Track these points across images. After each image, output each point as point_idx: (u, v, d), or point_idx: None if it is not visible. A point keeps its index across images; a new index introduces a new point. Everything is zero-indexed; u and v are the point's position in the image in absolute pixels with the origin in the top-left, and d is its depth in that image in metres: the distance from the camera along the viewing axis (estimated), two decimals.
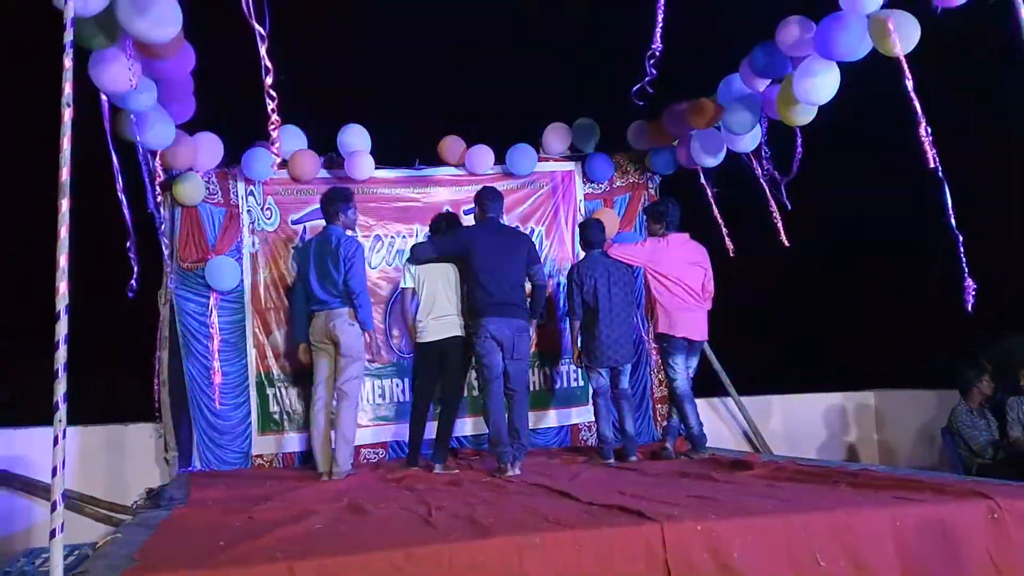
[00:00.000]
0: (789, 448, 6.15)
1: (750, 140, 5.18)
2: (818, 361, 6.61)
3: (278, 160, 4.56)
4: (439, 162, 5.79)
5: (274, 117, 3.87)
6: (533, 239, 5.78)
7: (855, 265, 6.62)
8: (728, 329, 5.58)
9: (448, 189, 5.82)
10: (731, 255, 5.48)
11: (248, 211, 5.49)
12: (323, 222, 5.51)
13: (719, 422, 6.26)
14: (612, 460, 5.16)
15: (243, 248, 5.46)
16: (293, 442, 5.45)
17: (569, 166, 6.03)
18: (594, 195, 6.06)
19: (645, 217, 5.38)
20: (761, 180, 5.18)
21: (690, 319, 5.11)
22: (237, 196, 5.47)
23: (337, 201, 4.83)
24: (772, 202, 5.19)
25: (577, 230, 5.44)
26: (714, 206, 5.54)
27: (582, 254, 6.09)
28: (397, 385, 5.62)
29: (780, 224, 5.19)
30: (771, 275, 6.48)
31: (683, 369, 5.11)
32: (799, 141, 4.92)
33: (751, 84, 4.81)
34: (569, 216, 5.96)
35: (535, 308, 4.93)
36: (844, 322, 6.71)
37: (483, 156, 5.78)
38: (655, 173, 6.09)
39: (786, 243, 5.20)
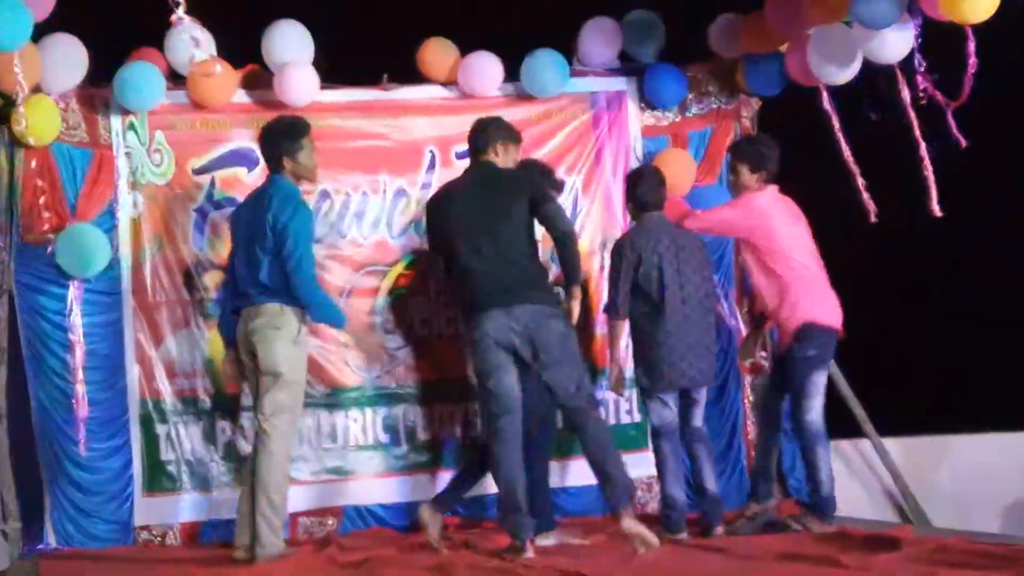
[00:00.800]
0: (959, 515, 6.14)
1: (896, 43, 5.16)
2: (1005, 384, 6.61)
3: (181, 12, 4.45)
4: (419, 79, 5.81)
5: None
6: (565, 195, 5.85)
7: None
8: (862, 339, 5.58)
9: (433, 120, 5.83)
10: (873, 220, 5.51)
11: (127, 154, 5.51)
12: (243, 171, 5.57)
13: (848, 476, 6.26)
14: (684, 534, 5.18)
15: (119, 211, 5.49)
16: (197, 507, 5.48)
17: (619, 84, 6.04)
18: (657, 128, 6.08)
19: (733, 159, 5.41)
20: (908, 107, 5.20)
21: (833, 303, 5.23)
22: (110, 132, 5.50)
23: (280, 138, 4.87)
24: (923, 147, 5.21)
25: (626, 184, 5.45)
26: (844, 145, 5.55)
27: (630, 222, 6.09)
28: (355, 421, 5.67)
29: (932, 181, 5.20)
30: (927, 257, 6.50)
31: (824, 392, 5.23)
32: (972, 49, 4.91)
33: None
34: (620, 160, 5.99)
35: (570, 273, 4.95)
36: None
37: (486, 69, 5.79)
38: (752, 94, 6.06)
39: (936, 211, 5.25)
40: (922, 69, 5.19)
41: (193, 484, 5.49)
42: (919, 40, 5.15)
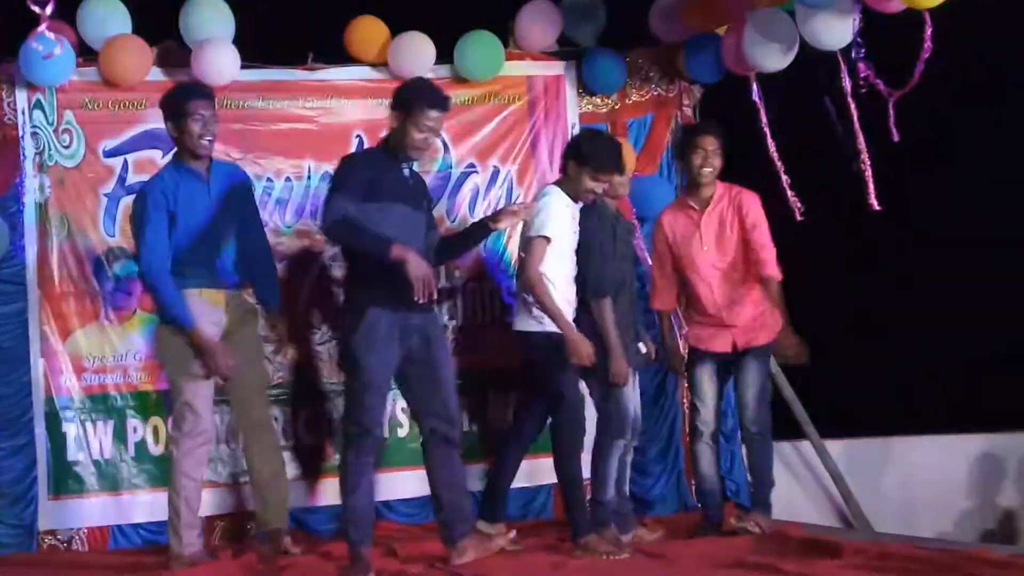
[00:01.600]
0: (903, 520, 6.18)
1: (838, 29, 5.09)
2: (950, 387, 6.65)
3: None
4: (347, 59, 5.71)
5: None
6: (499, 184, 5.81)
7: (1009, 245, 6.63)
8: (803, 340, 5.44)
9: (361, 103, 5.74)
10: (799, 218, 5.45)
11: (33, 134, 5.40)
12: (158, 153, 5.42)
13: (790, 478, 6.25)
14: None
15: (24, 194, 5.38)
16: (106, 510, 5.34)
17: (557, 68, 5.98)
18: (596, 115, 6.02)
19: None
20: (848, 97, 5.14)
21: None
22: (15, 110, 5.39)
23: (162, 105, 4.81)
24: (861, 138, 5.16)
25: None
26: (769, 138, 5.49)
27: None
28: (276, 420, 5.46)
29: (869, 173, 5.16)
30: (868, 254, 6.54)
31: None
32: (928, 35, 4.86)
33: None
34: (557, 148, 5.87)
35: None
36: (990, 327, 6.73)
37: (418, 49, 5.70)
38: (692, 81, 6.01)
39: (874, 204, 5.19)
40: (861, 55, 5.12)
41: (102, 486, 5.34)
42: (859, 28, 5.07)
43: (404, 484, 5.56)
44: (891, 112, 5.09)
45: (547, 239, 4.82)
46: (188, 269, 4.71)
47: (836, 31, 5.10)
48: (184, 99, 4.73)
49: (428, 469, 4.73)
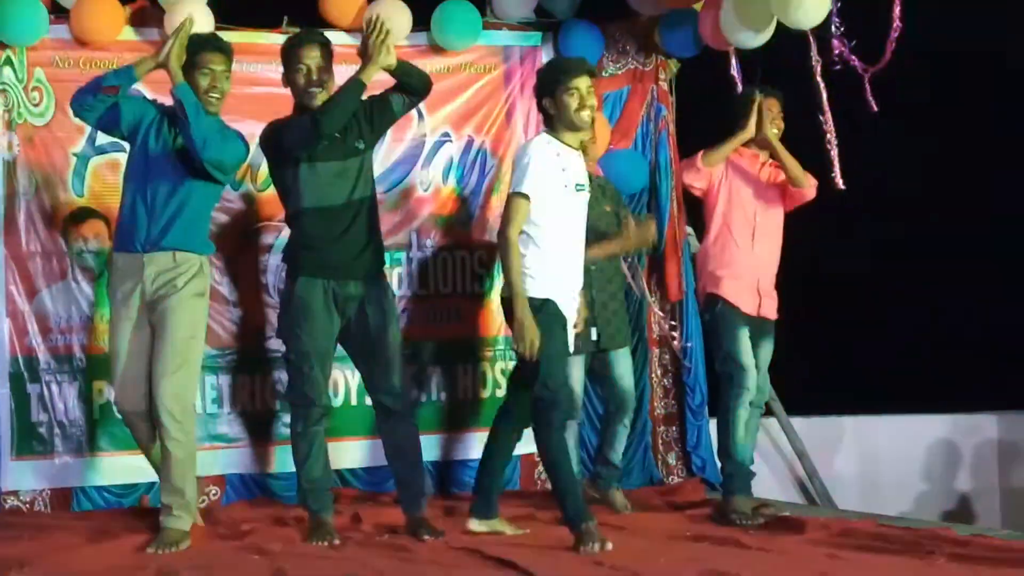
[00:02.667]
0: (865, 498, 6.24)
1: (814, 6, 5.08)
2: (912, 367, 6.71)
3: None
4: (322, 23, 5.63)
5: None
6: (474, 153, 5.83)
7: (971, 226, 6.69)
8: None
9: (336, 69, 5.58)
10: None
11: (2, 92, 5.35)
12: None
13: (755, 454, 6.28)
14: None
15: None
16: (68, 472, 5.33)
17: (533, 39, 5.96)
18: None
19: None
20: (816, 75, 5.17)
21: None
22: None
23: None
24: (828, 118, 5.22)
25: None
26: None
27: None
28: (243, 386, 5.54)
29: (835, 153, 5.22)
30: (831, 232, 6.51)
31: None
32: (897, 12, 4.91)
33: None
34: (532, 119, 5.87)
35: None
36: (951, 311, 6.81)
37: (394, 17, 5.54)
38: (668, 55, 6.02)
39: (840, 183, 5.23)
40: (839, 34, 5.13)
41: (66, 448, 5.31)
42: (838, 4, 5.09)
43: (365, 452, 5.58)
44: (867, 87, 5.10)
45: (523, 196, 4.39)
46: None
47: (812, 8, 5.11)
48: (195, 49, 4.63)
49: (382, 443, 4.75)
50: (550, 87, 4.46)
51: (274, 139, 4.72)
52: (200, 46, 4.67)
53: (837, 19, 5.12)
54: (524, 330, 4.34)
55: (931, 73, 6.49)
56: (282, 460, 5.48)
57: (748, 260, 5.21)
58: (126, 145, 4.96)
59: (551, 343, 4.38)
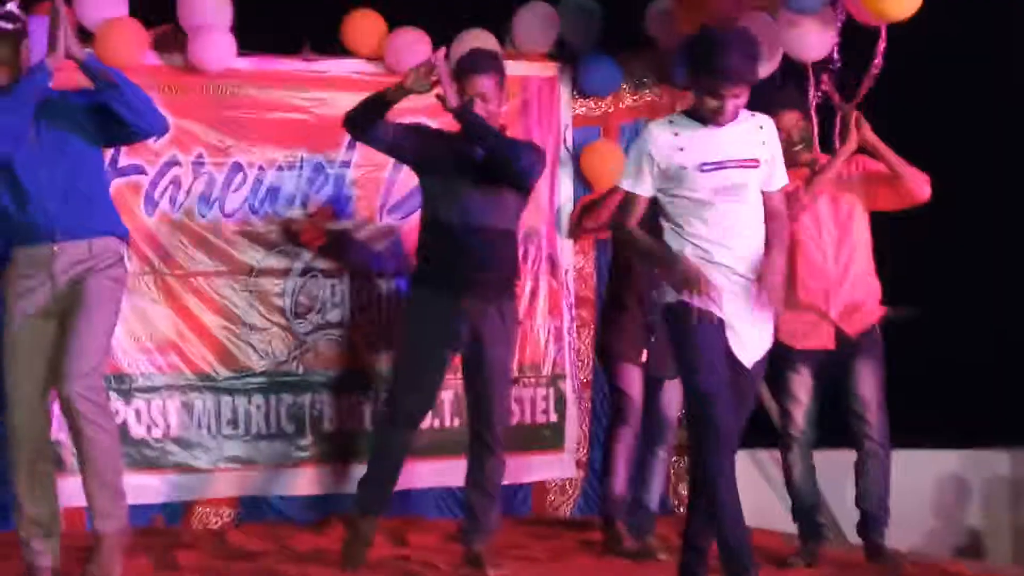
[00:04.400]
0: None
1: (819, 40, 5.13)
2: (920, 401, 6.69)
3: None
4: (342, 52, 5.71)
5: None
6: None
7: (979, 254, 6.69)
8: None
9: (356, 96, 5.56)
10: None
11: None
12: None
13: (765, 486, 6.28)
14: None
15: None
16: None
17: (550, 70, 5.99)
18: (589, 118, 6.04)
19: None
20: (811, 104, 5.13)
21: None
22: None
23: None
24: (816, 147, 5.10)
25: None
26: None
27: (567, 208, 6.01)
28: (258, 408, 5.55)
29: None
30: None
31: None
32: (881, 49, 4.92)
33: None
34: (548, 149, 5.87)
35: None
36: (962, 345, 6.79)
37: (414, 45, 5.68)
38: (681, 87, 5.99)
39: None
40: (836, 67, 5.17)
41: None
42: (840, 38, 5.13)
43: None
44: (837, 124, 5.03)
45: (626, 192, 3.97)
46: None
47: (816, 42, 5.17)
48: None
49: (467, 467, 4.67)
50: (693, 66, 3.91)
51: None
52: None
53: (837, 55, 5.17)
54: (687, 272, 3.79)
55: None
56: (296, 483, 5.54)
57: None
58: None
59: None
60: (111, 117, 4.07)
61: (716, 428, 3.81)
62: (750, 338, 3.89)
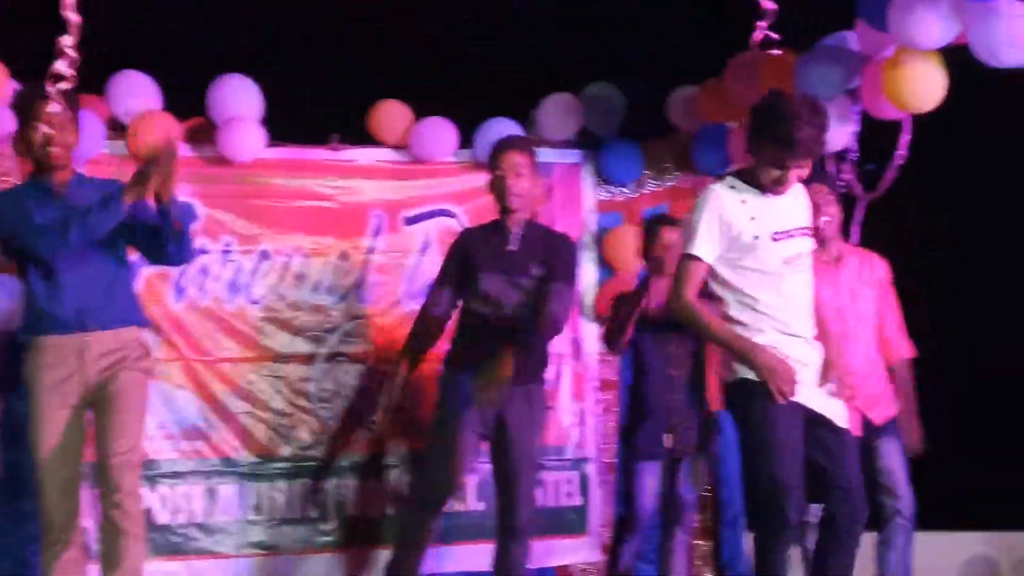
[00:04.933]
0: None
1: (836, 132, 5.15)
2: (947, 483, 6.64)
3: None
4: (369, 141, 5.78)
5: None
6: None
7: (1008, 340, 6.66)
8: None
9: (382, 184, 5.80)
10: None
11: None
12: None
13: None
14: None
15: None
16: None
17: (574, 156, 6.04)
18: (612, 203, 6.07)
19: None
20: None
21: None
22: None
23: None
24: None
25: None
26: None
27: (590, 291, 6.03)
28: (282, 492, 5.54)
29: None
30: None
31: None
32: (905, 141, 4.88)
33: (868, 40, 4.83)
34: (572, 234, 5.91)
35: None
36: (984, 422, 6.74)
37: (440, 135, 5.76)
38: (700, 172, 6.05)
39: None
40: (854, 158, 5.17)
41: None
42: (858, 130, 5.11)
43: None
44: (857, 214, 5.05)
45: (694, 258, 3.85)
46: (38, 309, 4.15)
47: (832, 134, 5.21)
48: (24, 104, 4.18)
49: (494, 556, 4.64)
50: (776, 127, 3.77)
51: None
52: (28, 99, 4.20)
53: (855, 145, 5.16)
54: (772, 366, 3.72)
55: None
56: (320, 568, 5.52)
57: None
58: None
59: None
60: (151, 240, 4.21)
61: (785, 521, 3.71)
62: (833, 403, 3.87)
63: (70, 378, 4.11)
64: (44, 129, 4.12)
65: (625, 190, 6.07)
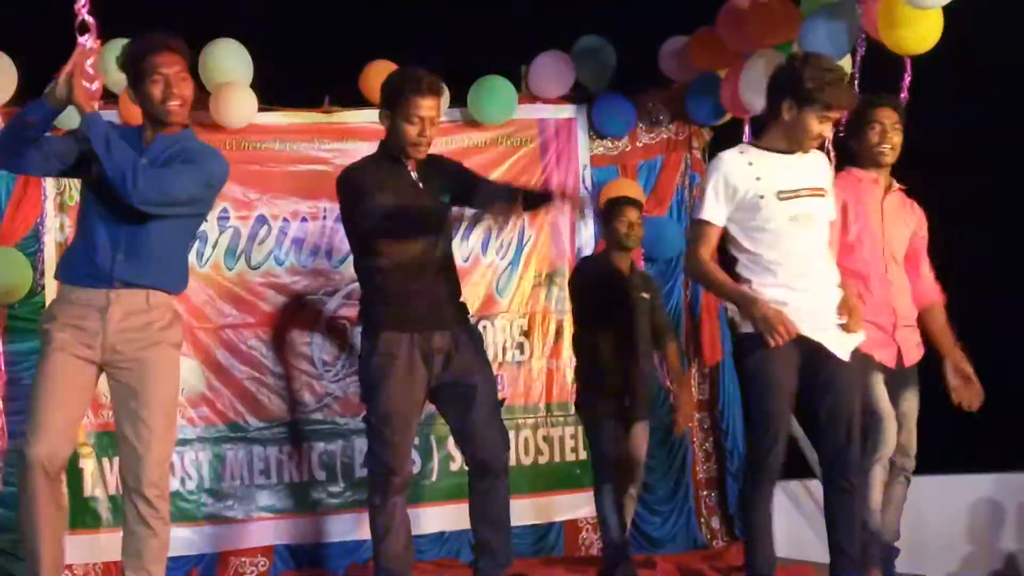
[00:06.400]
0: (911, 560, 6.13)
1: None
2: (953, 426, 6.65)
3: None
4: (361, 102, 5.75)
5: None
6: (512, 225, 5.84)
7: (1010, 287, 6.67)
8: None
9: (375, 145, 5.68)
10: None
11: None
12: None
13: (799, 517, 6.26)
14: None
15: (45, 234, 5.40)
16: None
17: (567, 111, 6.04)
18: (607, 157, 6.08)
19: None
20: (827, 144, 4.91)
21: None
22: None
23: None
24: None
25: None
26: None
27: (587, 250, 6.03)
28: (290, 457, 5.57)
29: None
30: None
31: None
32: (906, 83, 4.86)
33: None
34: (567, 190, 5.92)
35: None
36: (992, 367, 6.75)
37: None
38: (693, 123, 6.07)
39: None
40: None
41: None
42: (859, 73, 5.06)
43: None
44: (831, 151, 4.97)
45: (703, 222, 4.00)
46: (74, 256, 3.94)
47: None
48: (139, 55, 3.91)
49: (470, 503, 4.39)
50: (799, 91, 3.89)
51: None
52: (144, 50, 3.93)
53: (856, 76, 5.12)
54: (759, 309, 3.85)
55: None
56: (329, 530, 5.56)
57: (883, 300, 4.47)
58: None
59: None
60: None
61: (767, 462, 3.98)
62: (840, 336, 3.97)
63: (90, 332, 3.84)
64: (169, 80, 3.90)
65: (620, 143, 6.08)
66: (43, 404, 3.83)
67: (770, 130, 4.02)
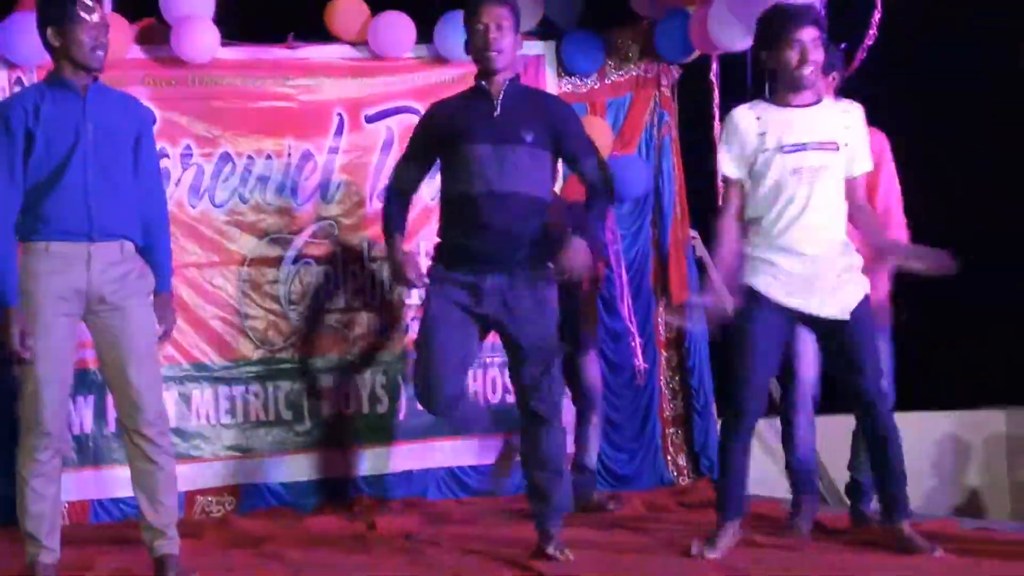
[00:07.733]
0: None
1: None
2: (920, 364, 6.71)
3: None
4: (326, 38, 5.71)
5: None
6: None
7: (973, 224, 6.71)
8: None
9: (341, 82, 5.74)
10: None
11: None
12: None
13: (763, 453, 6.24)
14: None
15: None
16: (86, 484, 5.33)
17: (536, 48, 5.98)
18: (576, 95, 6.01)
19: None
20: None
21: None
22: None
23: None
24: None
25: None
26: (716, 120, 5.56)
27: (556, 185, 6.01)
28: (256, 396, 5.56)
29: None
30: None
31: None
32: (876, 19, 4.88)
33: None
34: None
35: None
36: (956, 307, 6.82)
37: (398, 30, 5.71)
38: (662, 60, 6.02)
39: None
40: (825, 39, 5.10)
41: (83, 461, 5.33)
42: (826, 9, 4.96)
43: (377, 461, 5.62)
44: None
45: (724, 180, 4.12)
46: (42, 212, 3.89)
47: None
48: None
49: (522, 447, 4.29)
50: (770, 40, 4.01)
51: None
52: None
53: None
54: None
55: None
56: (296, 469, 5.56)
57: None
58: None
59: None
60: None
61: (740, 410, 4.16)
62: (834, 296, 4.03)
63: (75, 287, 3.90)
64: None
65: (588, 80, 6.04)
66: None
67: (776, 88, 4.08)
